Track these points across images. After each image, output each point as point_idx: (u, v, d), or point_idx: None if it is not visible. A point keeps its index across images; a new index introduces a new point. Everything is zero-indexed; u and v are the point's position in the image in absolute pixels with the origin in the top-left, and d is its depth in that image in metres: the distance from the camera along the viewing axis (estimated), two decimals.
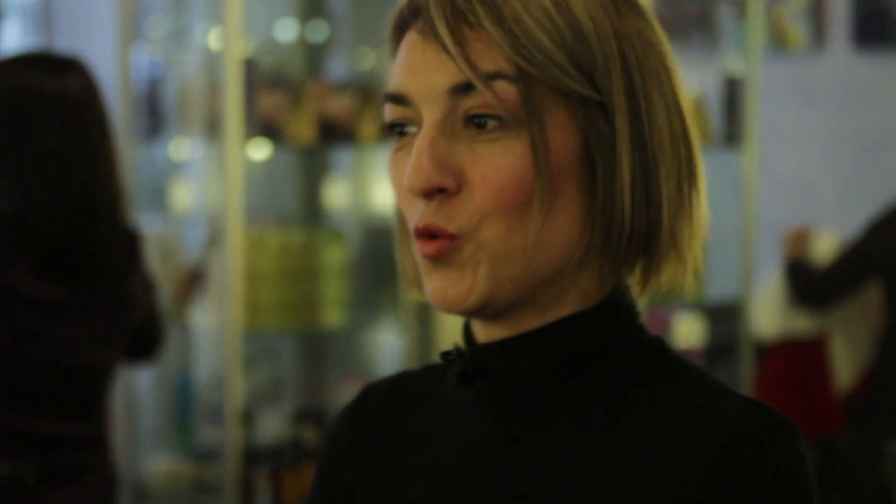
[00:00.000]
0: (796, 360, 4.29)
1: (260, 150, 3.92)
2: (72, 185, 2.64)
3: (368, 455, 1.22)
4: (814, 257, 4.17)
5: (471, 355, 1.14)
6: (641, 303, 1.17)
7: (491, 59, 1.04)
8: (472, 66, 1.03)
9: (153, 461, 4.02)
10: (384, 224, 3.97)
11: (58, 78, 2.68)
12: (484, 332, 1.13)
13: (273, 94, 3.74)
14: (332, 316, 3.85)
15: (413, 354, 3.88)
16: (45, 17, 5.44)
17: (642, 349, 1.12)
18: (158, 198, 4.13)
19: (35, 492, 2.65)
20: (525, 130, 1.04)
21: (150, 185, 4.11)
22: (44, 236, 2.63)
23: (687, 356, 1.17)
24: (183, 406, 4.05)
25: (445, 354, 1.17)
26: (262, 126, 3.71)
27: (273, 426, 3.95)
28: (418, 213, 1.07)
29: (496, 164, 1.04)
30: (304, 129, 3.78)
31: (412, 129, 1.09)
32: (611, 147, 1.06)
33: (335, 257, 3.85)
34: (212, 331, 3.86)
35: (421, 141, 1.06)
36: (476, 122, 1.05)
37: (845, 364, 4.23)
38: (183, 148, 4.06)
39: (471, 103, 1.05)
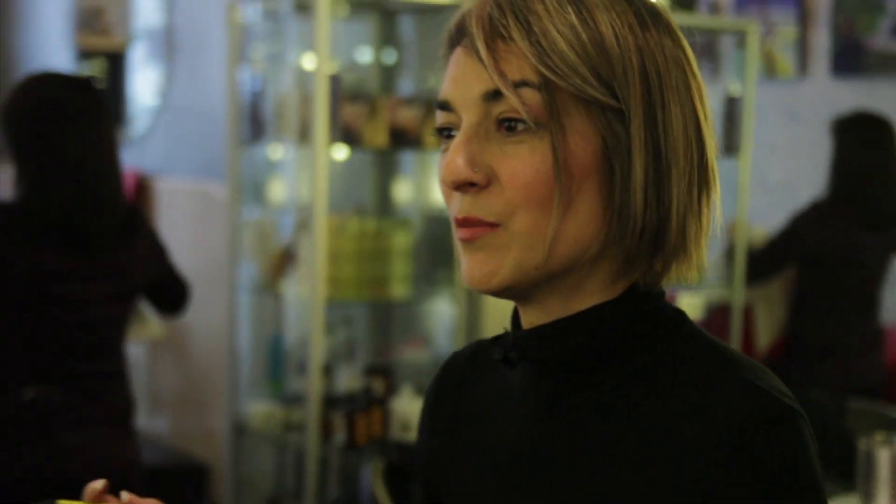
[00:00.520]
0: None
1: (341, 153, 3.88)
2: (84, 179, 2.73)
3: (444, 423, 1.19)
4: (752, 244, 4.19)
5: (512, 341, 1.07)
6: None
7: (519, 68, 0.97)
8: (501, 74, 0.97)
9: (251, 405, 4.03)
10: (441, 214, 3.92)
11: (74, 93, 2.78)
12: (524, 318, 1.07)
13: (353, 106, 3.69)
14: (398, 289, 3.82)
15: (463, 322, 3.82)
16: (167, 42, 5.39)
17: (661, 334, 1.03)
18: (258, 191, 4.10)
19: (61, 409, 2.78)
20: (549, 133, 0.97)
21: (251, 180, 4.08)
22: (62, 221, 2.73)
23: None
24: (275, 361, 4.04)
25: (496, 338, 1.11)
26: (344, 132, 3.67)
27: (348, 378, 3.89)
28: (457, 206, 1.01)
29: (522, 162, 0.98)
30: (378, 136, 3.74)
31: (456, 133, 1.02)
32: (627, 151, 0.98)
33: (401, 241, 3.81)
34: (300, 300, 3.80)
35: (456, 141, 1.00)
36: (506, 125, 0.98)
37: (764, 329, 4.26)
38: (278, 150, 4.02)
39: (501, 108, 0.98)
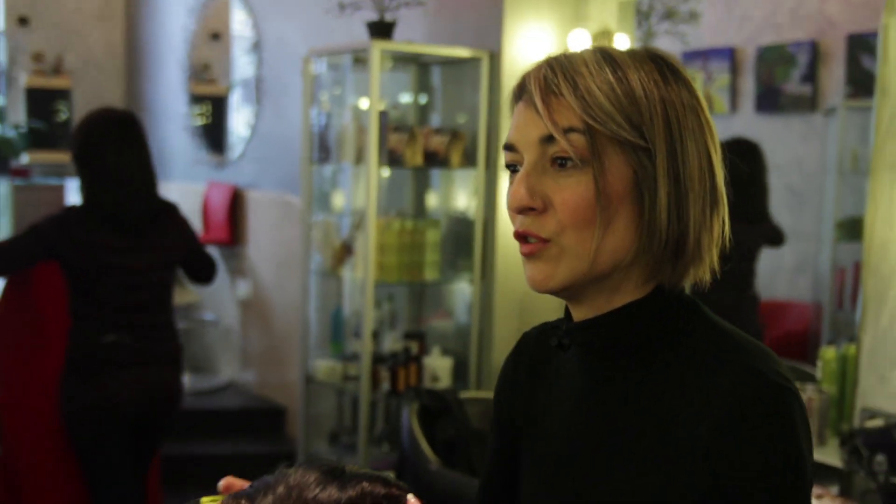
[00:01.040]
0: None
1: (387, 171, 3.84)
2: (126, 182, 2.90)
3: (523, 391, 1.15)
4: None
5: (565, 330, 1.06)
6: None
7: (568, 118, 0.96)
8: (554, 123, 0.96)
9: (318, 361, 3.99)
10: (462, 217, 3.87)
11: (117, 125, 2.92)
12: (574, 313, 1.05)
13: (396, 135, 3.68)
14: (430, 273, 3.78)
15: (478, 299, 3.77)
16: (257, 88, 5.41)
17: (681, 326, 1.00)
18: (325, 200, 4.07)
19: (131, 348, 2.94)
20: (592, 168, 0.96)
21: (319, 191, 4.05)
22: (112, 213, 2.90)
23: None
24: (337, 327, 4.02)
25: (553, 329, 1.09)
26: (389, 155, 3.66)
27: (391, 341, 3.88)
28: (518, 223, 1.00)
29: (571, 192, 0.96)
30: (415, 158, 3.72)
31: (520, 168, 1.00)
32: (653, 180, 0.97)
33: (432, 237, 3.77)
34: (355, 282, 3.80)
35: (520, 175, 0.99)
36: (559, 162, 0.97)
37: None
38: (340, 169, 4.00)
39: (554, 149, 0.97)
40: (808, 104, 4.47)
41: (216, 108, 6.01)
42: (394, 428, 3.86)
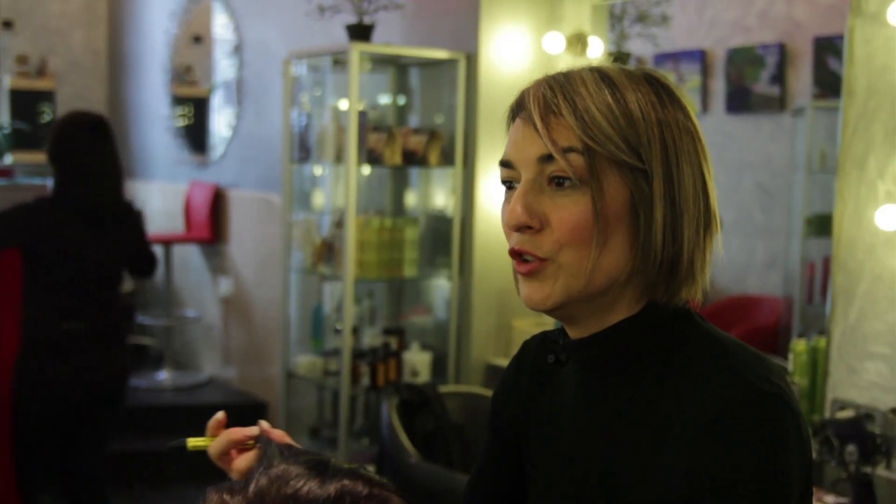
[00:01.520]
0: None
1: (366, 169, 3.84)
2: (94, 179, 3.07)
3: (527, 395, 1.13)
4: None
5: (561, 347, 1.05)
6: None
7: (566, 138, 0.94)
8: (553, 142, 0.94)
9: (299, 356, 3.99)
10: (440, 215, 3.85)
11: (88, 128, 3.08)
12: (570, 331, 1.03)
13: (375, 135, 3.68)
14: (408, 270, 3.77)
15: (456, 295, 3.76)
16: (239, 90, 5.37)
17: (672, 340, 0.98)
18: (305, 199, 4.06)
19: (84, 336, 3.09)
20: (590, 188, 0.94)
21: (300, 190, 4.04)
22: (81, 205, 3.07)
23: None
24: (317, 324, 4.01)
25: (552, 344, 1.10)
26: (369, 155, 3.65)
27: (371, 336, 3.86)
28: (514, 240, 0.97)
29: (569, 211, 0.94)
30: (394, 157, 3.71)
31: (516, 185, 0.98)
32: (649, 201, 0.94)
33: (411, 234, 3.77)
34: (335, 278, 3.78)
35: (517, 193, 0.96)
36: (556, 181, 0.95)
37: None
38: (320, 168, 3.99)
39: (552, 168, 0.95)
40: (777, 104, 4.48)
41: (198, 110, 5.95)
42: (374, 422, 3.84)
